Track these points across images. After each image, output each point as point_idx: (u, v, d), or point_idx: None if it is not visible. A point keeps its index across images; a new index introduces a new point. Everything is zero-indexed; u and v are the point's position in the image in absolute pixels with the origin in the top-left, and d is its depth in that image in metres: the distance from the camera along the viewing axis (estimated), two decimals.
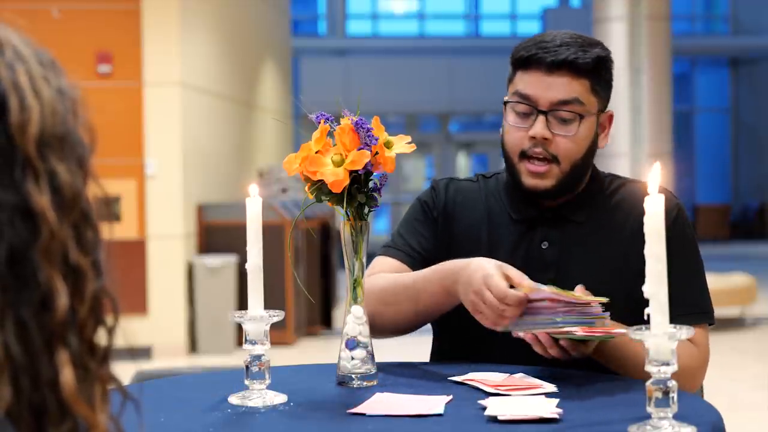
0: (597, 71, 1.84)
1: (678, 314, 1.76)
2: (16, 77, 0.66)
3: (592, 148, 1.87)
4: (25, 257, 0.64)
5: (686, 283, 1.81)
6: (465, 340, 1.88)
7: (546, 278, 1.78)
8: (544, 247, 1.87)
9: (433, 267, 1.79)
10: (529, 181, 1.84)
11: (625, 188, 1.93)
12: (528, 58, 1.83)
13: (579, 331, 1.57)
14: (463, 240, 1.92)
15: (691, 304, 1.81)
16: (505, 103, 1.87)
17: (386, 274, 1.87)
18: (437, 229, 1.94)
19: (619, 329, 1.58)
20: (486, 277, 1.63)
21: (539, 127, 1.81)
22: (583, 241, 1.88)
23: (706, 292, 1.87)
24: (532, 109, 1.82)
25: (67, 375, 0.64)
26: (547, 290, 1.60)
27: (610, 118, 1.91)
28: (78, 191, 0.67)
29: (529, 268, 1.81)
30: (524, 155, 1.84)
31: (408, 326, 1.86)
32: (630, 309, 1.75)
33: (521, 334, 1.62)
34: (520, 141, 1.84)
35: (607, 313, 1.60)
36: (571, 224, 1.89)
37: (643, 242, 1.77)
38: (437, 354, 1.99)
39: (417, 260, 1.91)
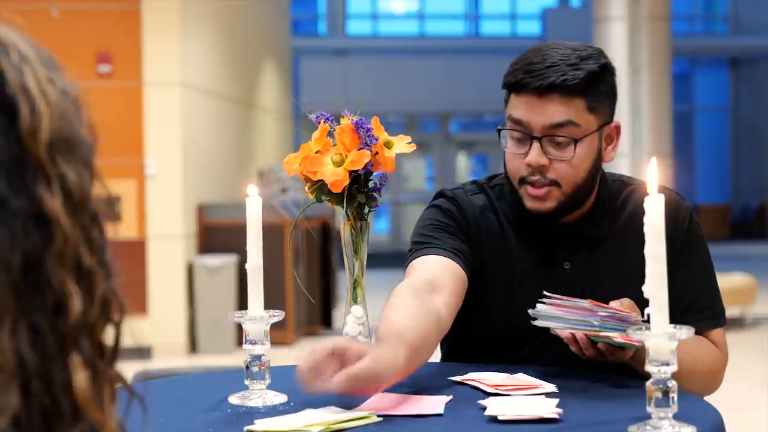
0: (591, 88, 1.75)
1: (701, 318, 1.77)
2: (24, 81, 0.65)
3: (596, 165, 1.80)
4: (38, 263, 0.64)
5: (707, 287, 1.83)
6: (474, 342, 1.88)
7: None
8: (566, 267, 1.82)
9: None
10: (530, 204, 1.78)
11: (636, 194, 1.87)
12: (516, 83, 1.76)
13: (618, 338, 1.56)
14: (491, 252, 1.85)
15: (710, 307, 1.83)
16: (498, 130, 1.81)
17: (406, 299, 1.65)
18: (469, 238, 1.84)
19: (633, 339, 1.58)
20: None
21: (534, 154, 1.75)
22: (605, 256, 1.83)
23: (719, 293, 1.87)
24: (526, 135, 1.76)
25: (80, 378, 0.64)
26: (586, 302, 1.60)
27: (617, 128, 1.84)
28: (87, 193, 0.67)
29: (552, 290, 1.79)
30: (524, 180, 1.78)
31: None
32: None
33: (558, 332, 1.61)
34: (519, 167, 1.78)
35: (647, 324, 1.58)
36: (591, 240, 1.84)
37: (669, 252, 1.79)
38: (447, 356, 1.98)
39: (462, 258, 1.79)
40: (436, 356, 2.00)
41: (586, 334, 1.58)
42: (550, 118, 1.74)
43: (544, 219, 1.82)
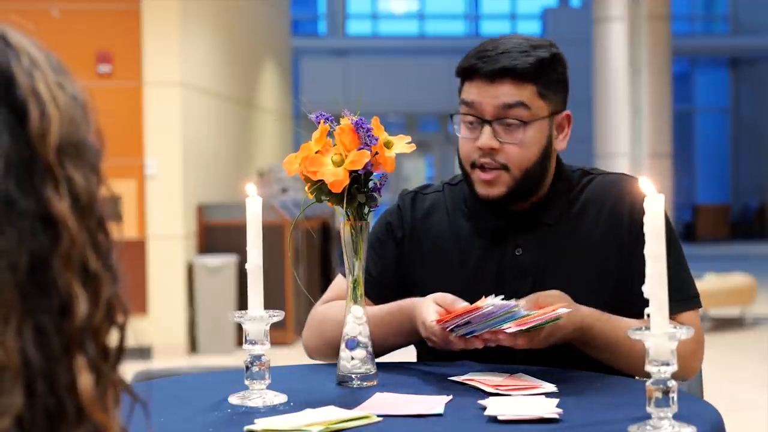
0: (542, 74, 1.80)
1: (668, 300, 1.76)
2: (35, 85, 0.66)
3: (546, 152, 1.84)
4: (45, 264, 0.64)
5: (673, 270, 1.81)
6: None
7: (524, 284, 1.78)
8: (518, 253, 1.85)
9: (389, 310, 1.80)
10: (481, 190, 1.83)
11: (595, 182, 1.90)
12: (468, 68, 1.82)
13: (512, 327, 1.57)
14: (433, 254, 1.91)
15: (679, 290, 1.81)
16: (451, 116, 1.86)
17: (339, 304, 1.87)
18: (402, 250, 1.92)
19: (550, 312, 1.59)
20: (423, 324, 1.67)
21: (485, 137, 1.80)
22: (558, 243, 1.85)
23: (690, 276, 1.87)
24: (478, 119, 1.81)
25: (85, 380, 0.65)
26: (468, 306, 1.62)
27: (568, 117, 1.88)
28: (93, 197, 0.67)
29: (504, 277, 1.83)
30: (475, 165, 1.83)
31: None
32: (614, 306, 1.75)
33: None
34: (471, 152, 1.83)
35: (514, 302, 1.59)
36: (543, 226, 1.86)
37: (617, 236, 1.80)
38: (421, 356, 1.99)
39: (372, 285, 1.90)
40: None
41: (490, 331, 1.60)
42: (500, 99, 1.79)
43: (496, 207, 1.86)
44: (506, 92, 1.79)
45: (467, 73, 1.83)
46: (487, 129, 1.80)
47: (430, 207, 1.95)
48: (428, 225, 1.93)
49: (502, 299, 1.60)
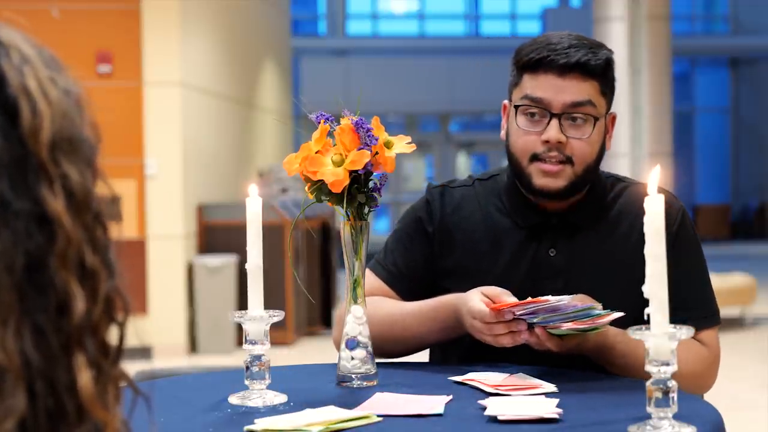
0: (605, 73, 1.81)
1: (691, 318, 1.75)
2: (25, 81, 0.65)
3: (602, 150, 1.85)
4: (41, 264, 0.64)
5: (697, 287, 1.83)
6: (460, 340, 1.88)
7: (555, 285, 1.78)
8: (551, 254, 1.85)
9: (434, 305, 1.79)
10: (540, 180, 1.80)
11: (629, 191, 1.90)
12: (539, 60, 1.79)
13: (569, 325, 1.59)
14: (464, 247, 1.90)
15: (702, 308, 1.83)
16: (516, 107, 1.82)
17: (385, 300, 1.88)
18: (432, 245, 1.92)
19: (603, 318, 1.60)
20: (469, 311, 1.67)
21: (554, 131, 1.78)
22: (592, 247, 1.85)
23: (713, 293, 1.88)
24: (544, 112, 1.79)
25: (85, 379, 0.64)
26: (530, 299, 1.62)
27: (613, 119, 1.89)
28: (89, 192, 0.67)
29: (536, 275, 1.82)
30: (536, 158, 1.81)
31: (411, 351, 1.88)
32: (642, 315, 1.75)
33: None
34: (532, 145, 1.80)
35: (596, 304, 1.60)
36: (578, 230, 1.86)
37: None
38: (435, 355, 1.99)
39: (400, 280, 1.91)
40: (425, 355, 2.00)
41: (543, 327, 1.62)
42: (571, 95, 1.79)
43: (536, 205, 1.86)
44: (575, 89, 1.78)
45: (535, 65, 1.80)
46: (554, 123, 1.79)
47: (460, 200, 1.94)
48: (459, 218, 1.92)
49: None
